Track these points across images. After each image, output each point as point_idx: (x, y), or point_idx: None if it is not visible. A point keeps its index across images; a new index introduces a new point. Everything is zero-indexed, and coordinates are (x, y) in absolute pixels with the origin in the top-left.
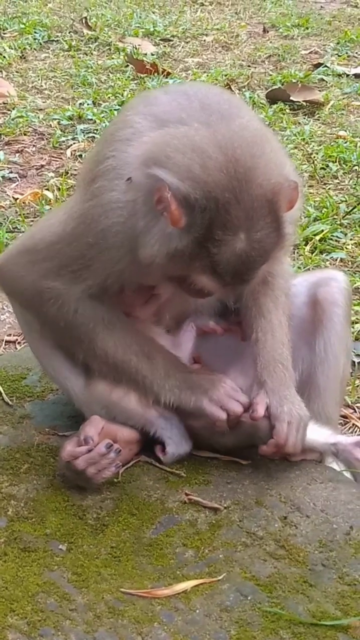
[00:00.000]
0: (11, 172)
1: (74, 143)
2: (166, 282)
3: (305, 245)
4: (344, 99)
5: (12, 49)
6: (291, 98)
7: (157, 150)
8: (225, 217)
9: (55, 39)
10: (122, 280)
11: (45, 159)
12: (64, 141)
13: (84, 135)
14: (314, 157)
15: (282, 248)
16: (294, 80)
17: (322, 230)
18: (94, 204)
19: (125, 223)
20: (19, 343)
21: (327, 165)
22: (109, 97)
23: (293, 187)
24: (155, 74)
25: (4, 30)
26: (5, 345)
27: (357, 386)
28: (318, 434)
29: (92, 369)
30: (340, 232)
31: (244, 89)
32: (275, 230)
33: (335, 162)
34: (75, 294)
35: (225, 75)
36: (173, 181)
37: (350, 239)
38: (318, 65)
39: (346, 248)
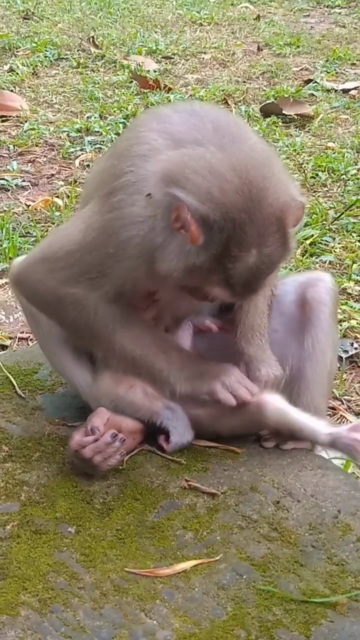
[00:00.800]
0: (24, 181)
1: (82, 154)
2: (177, 289)
3: (297, 248)
4: (332, 112)
5: (24, 66)
6: (283, 112)
7: (175, 169)
8: (240, 235)
9: (65, 57)
10: (136, 286)
11: (55, 168)
12: (72, 152)
13: (92, 147)
14: (305, 166)
15: (287, 259)
16: (286, 95)
17: (312, 235)
18: (114, 217)
19: (144, 236)
20: (30, 340)
21: (317, 174)
22: (114, 111)
23: (299, 206)
24: (158, 90)
25: (17, 48)
26: (18, 341)
27: (345, 380)
28: (314, 426)
29: (110, 365)
30: (329, 236)
31: (239, 103)
32: (282, 245)
33: (325, 171)
34: (94, 298)
35: (223, 91)
36: (193, 202)
37: (338, 243)
38: (308, 81)
39: (334, 251)
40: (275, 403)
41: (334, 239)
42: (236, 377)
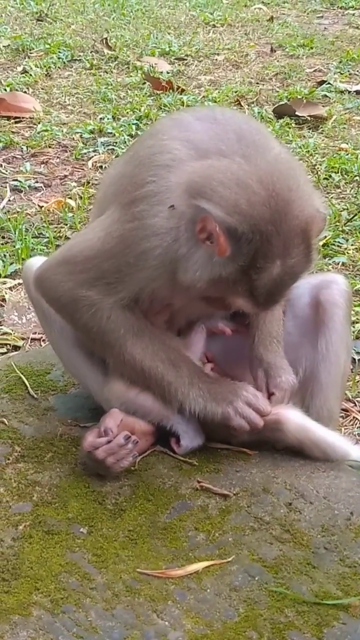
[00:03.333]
0: (37, 182)
1: (95, 155)
2: (195, 298)
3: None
4: (345, 113)
5: (38, 67)
6: (297, 113)
7: (201, 181)
8: (267, 247)
9: (78, 58)
10: (154, 295)
11: (68, 169)
12: (85, 153)
13: (104, 148)
14: (318, 168)
15: (309, 270)
16: (299, 97)
17: (325, 236)
18: (135, 227)
19: (167, 247)
20: (43, 340)
21: (330, 176)
22: (127, 112)
23: (322, 218)
24: (171, 91)
25: (30, 50)
26: (31, 342)
27: (357, 382)
28: (344, 447)
29: (120, 374)
30: (342, 238)
31: (252, 105)
32: (306, 256)
33: (338, 172)
34: (109, 303)
35: (236, 92)
36: (220, 214)
37: (352, 245)
38: (322, 82)
39: (347, 253)
40: (297, 420)
41: (347, 240)
42: (248, 399)
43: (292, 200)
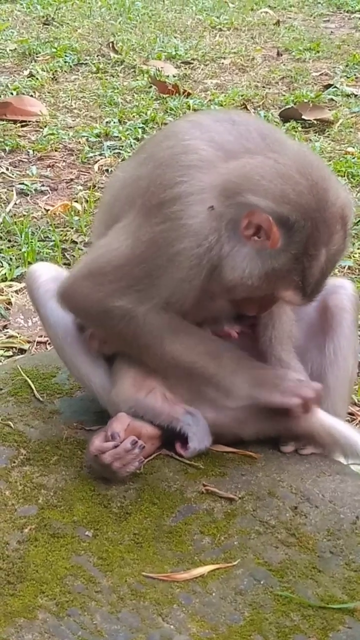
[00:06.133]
0: (43, 185)
1: (101, 158)
2: (225, 300)
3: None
4: (352, 117)
5: (44, 71)
6: (303, 117)
7: (239, 180)
8: (316, 234)
9: (84, 62)
10: (186, 296)
11: (74, 173)
12: (91, 157)
13: (110, 151)
14: None
15: (340, 261)
16: (305, 100)
17: None
18: (168, 228)
19: (207, 248)
20: (49, 344)
21: None
22: (133, 116)
23: (353, 204)
24: (177, 95)
25: (37, 53)
26: (37, 345)
27: None
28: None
29: (163, 374)
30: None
31: (259, 109)
32: (344, 242)
33: (344, 176)
34: (142, 310)
35: (242, 96)
36: (270, 205)
37: (358, 248)
38: (328, 86)
39: (353, 257)
40: (318, 412)
41: (353, 244)
42: (293, 380)
43: (329, 189)
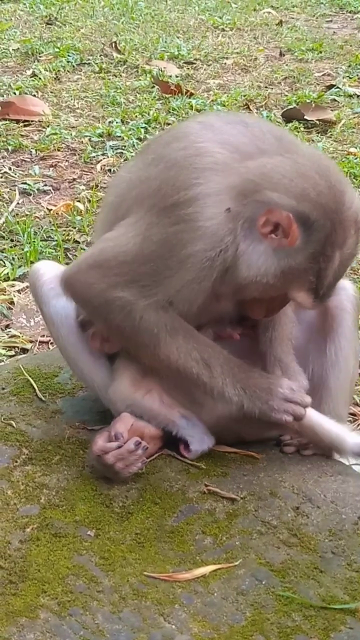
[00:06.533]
0: (45, 185)
1: (104, 158)
2: (229, 303)
3: None
4: (354, 118)
5: (47, 71)
6: (305, 117)
7: (257, 179)
8: (333, 235)
9: (87, 62)
10: (193, 298)
11: (77, 173)
12: (94, 156)
13: (113, 151)
14: None
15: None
16: (308, 101)
17: None
18: (182, 229)
19: (221, 250)
20: (51, 343)
21: None
22: (136, 116)
23: None
24: (179, 95)
25: (39, 53)
26: (39, 345)
27: None
28: (346, 436)
29: (157, 372)
30: None
31: (261, 109)
32: (355, 248)
33: (347, 176)
34: (142, 304)
35: (244, 96)
36: (291, 202)
37: None
38: (330, 86)
39: (355, 258)
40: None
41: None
42: (285, 394)
43: (345, 192)
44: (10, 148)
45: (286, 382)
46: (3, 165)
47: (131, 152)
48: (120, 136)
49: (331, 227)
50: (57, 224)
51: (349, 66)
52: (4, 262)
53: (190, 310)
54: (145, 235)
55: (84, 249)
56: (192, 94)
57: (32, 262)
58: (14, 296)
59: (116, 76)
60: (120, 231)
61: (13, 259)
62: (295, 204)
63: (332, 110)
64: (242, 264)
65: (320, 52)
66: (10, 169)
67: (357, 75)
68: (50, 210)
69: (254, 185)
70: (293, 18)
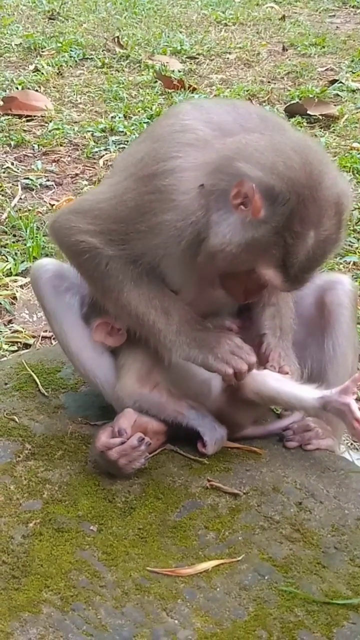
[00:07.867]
0: (48, 180)
1: (106, 153)
2: (211, 280)
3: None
4: (357, 113)
5: (49, 66)
6: (308, 112)
7: (232, 154)
8: (303, 211)
9: (90, 57)
10: (157, 262)
11: (79, 168)
12: (97, 152)
13: (116, 146)
14: None
15: (336, 251)
16: (310, 96)
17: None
18: (156, 199)
19: (191, 222)
20: (54, 338)
21: None
22: (138, 111)
23: (351, 195)
24: (182, 89)
25: (42, 48)
26: (41, 340)
27: None
28: (304, 393)
29: (119, 320)
30: (353, 237)
31: (264, 104)
32: (336, 231)
33: (350, 171)
34: (108, 253)
35: (247, 91)
36: (258, 174)
37: None
38: (333, 81)
39: (358, 252)
40: (258, 374)
41: (358, 239)
42: (231, 346)
43: (325, 172)
44: (12, 143)
45: (237, 339)
46: (5, 161)
47: None
48: (122, 131)
49: (299, 203)
50: None
51: (352, 61)
52: (7, 258)
53: (186, 293)
54: (121, 199)
55: None
56: (194, 89)
57: (34, 258)
58: (17, 291)
59: (119, 71)
60: (101, 189)
61: (16, 254)
62: (262, 175)
63: (335, 105)
64: (212, 233)
65: (323, 46)
66: (12, 164)
67: None
68: (52, 205)
69: (228, 159)
70: (296, 13)
